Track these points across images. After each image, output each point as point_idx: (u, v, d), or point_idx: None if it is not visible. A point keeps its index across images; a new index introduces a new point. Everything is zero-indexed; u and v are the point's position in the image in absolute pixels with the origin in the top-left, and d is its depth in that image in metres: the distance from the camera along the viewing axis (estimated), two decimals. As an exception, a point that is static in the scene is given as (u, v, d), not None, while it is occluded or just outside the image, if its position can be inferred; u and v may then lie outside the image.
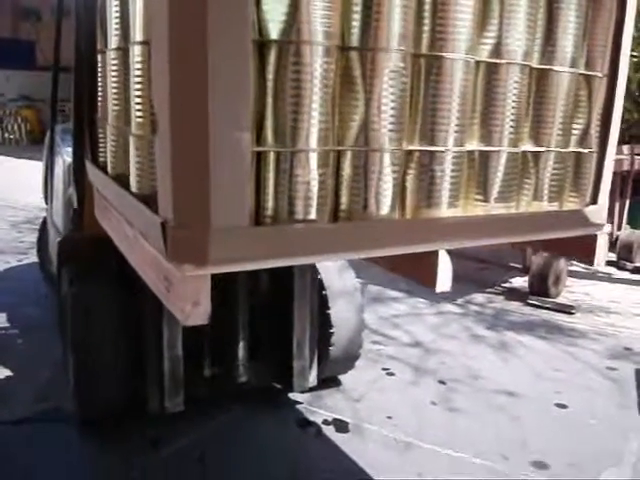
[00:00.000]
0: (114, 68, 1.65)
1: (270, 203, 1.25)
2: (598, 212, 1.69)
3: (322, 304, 2.74)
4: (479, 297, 4.78)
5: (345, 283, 2.88)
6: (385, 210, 1.36)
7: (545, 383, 3.31)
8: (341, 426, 2.75)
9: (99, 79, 1.87)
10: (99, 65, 1.87)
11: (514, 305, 4.66)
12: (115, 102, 1.67)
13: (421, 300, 4.40)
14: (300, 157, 1.25)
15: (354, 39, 1.27)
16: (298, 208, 1.27)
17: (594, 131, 1.64)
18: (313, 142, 1.25)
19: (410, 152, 1.37)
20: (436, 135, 1.38)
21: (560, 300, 4.74)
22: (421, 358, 3.57)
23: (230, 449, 2.54)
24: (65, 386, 2.68)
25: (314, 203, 1.28)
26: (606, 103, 1.62)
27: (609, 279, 5.48)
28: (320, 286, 2.75)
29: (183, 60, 1.10)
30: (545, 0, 1.46)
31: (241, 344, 2.57)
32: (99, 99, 1.90)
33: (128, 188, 1.54)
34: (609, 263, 5.82)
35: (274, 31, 1.18)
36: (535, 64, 1.49)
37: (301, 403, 2.90)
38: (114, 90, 1.66)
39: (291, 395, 2.91)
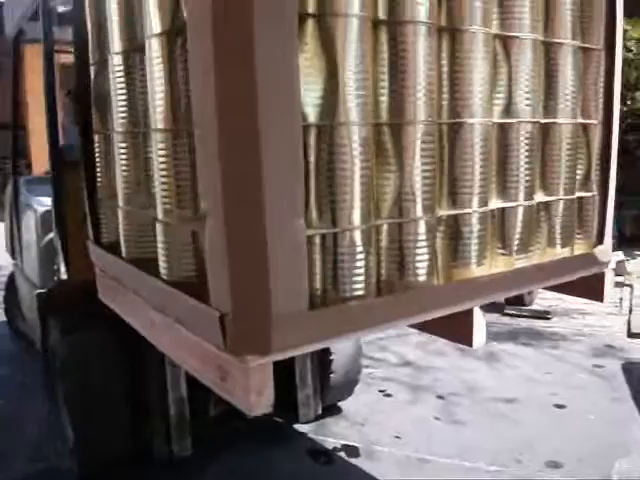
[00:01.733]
0: (123, 152, 1.66)
1: (318, 284, 1.28)
2: (605, 252, 1.80)
3: None
4: None
5: None
6: (422, 277, 1.41)
7: (539, 387, 3.47)
8: (351, 451, 2.81)
9: (98, 160, 1.88)
10: (97, 147, 1.87)
11: (492, 317, 4.85)
12: (125, 186, 1.67)
13: (402, 320, 4.60)
14: (345, 236, 1.28)
15: (383, 114, 1.32)
16: (346, 286, 1.30)
17: (594, 175, 1.76)
18: (357, 220, 1.29)
19: (440, 217, 1.44)
20: (462, 198, 1.46)
21: (535, 307, 4.98)
22: (414, 376, 3.68)
23: None
24: (58, 444, 2.64)
25: (360, 279, 1.31)
26: (603, 148, 1.75)
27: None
28: None
29: (235, 149, 1.13)
30: (545, 58, 1.57)
31: None
32: (99, 180, 1.90)
33: (152, 273, 1.53)
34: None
35: (312, 115, 1.22)
36: (541, 119, 1.59)
37: (307, 434, 2.93)
38: (124, 174, 1.67)
39: (296, 426, 2.93)
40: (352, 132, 1.26)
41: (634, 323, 4.49)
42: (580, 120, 1.69)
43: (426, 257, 1.41)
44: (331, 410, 3.06)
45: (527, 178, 1.58)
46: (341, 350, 2.84)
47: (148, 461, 2.48)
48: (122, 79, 1.62)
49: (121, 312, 1.84)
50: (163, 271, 1.50)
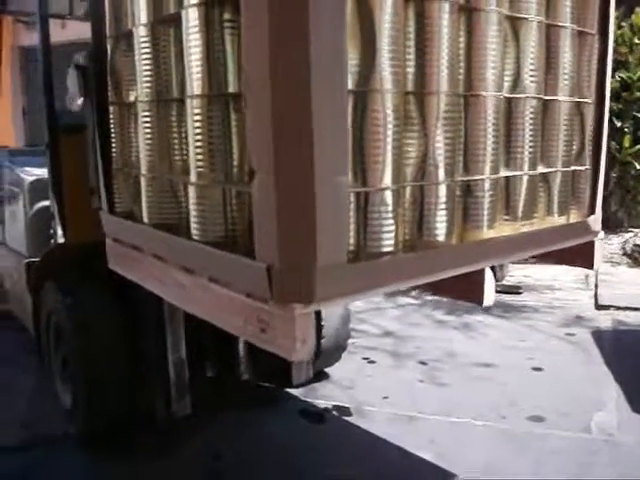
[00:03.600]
0: (147, 121, 1.75)
1: (352, 240, 1.40)
2: (596, 221, 2.01)
3: None
4: None
5: None
6: (442, 236, 1.57)
7: (516, 352, 3.74)
8: (343, 411, 2.99)
9: (113, 131, 1.97)
10: (112, 118, 1.96)
11: None
12: (149, 153, 1.77)
13: (378, 297, 4.73)
14: (376, 195, 1.42)
15: (410, 85, 1.46)
16: (377, 242, 1.44)
17: (587, 150, 1.96)
18: (387, 180, 1.43)
19: (457, 182, 1.59)
20: (476, 165, 1.62)
21: (506, 282, 5.30)
22: (395, 345, 3.90)
23: (243, 445, 2.68)
24: (52, 413, 2.74)
25: (390, 236, 1.45)
26: (595, 125, 1.95)
27: (543, 262, 6.15)
28: None
29: (287, 113, 1.25)
30: (546, 39, 1.75)
31: (241, 342, 2.67)
32: (114, 150, 1.99)
33: (183, 235, 1.65)
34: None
35: (350, 82, 1.33)
36: (544, 96, 1.77)
37: (298, 397, 3.09)
38: (148, 142, 1.76)
39: (286, 391, 3.09)
40: (385, 99, 1.40)
41: (601, 296, 4.84)
42: (576, 99, 1.88)
43: (445, 218, 1.57)
44: (319, 376, 3.21)
45: (530, 150, 1.76)
46: (331, 316, 2.99)
47: (148, 422, 2.57)
48: (148, 50, 1.71)
49: (138, 278, 1.93)
50: (197, 232, 1.60)
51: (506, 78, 1.68)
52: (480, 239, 1.66)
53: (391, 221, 1.47)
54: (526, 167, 1.77)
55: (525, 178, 1.77)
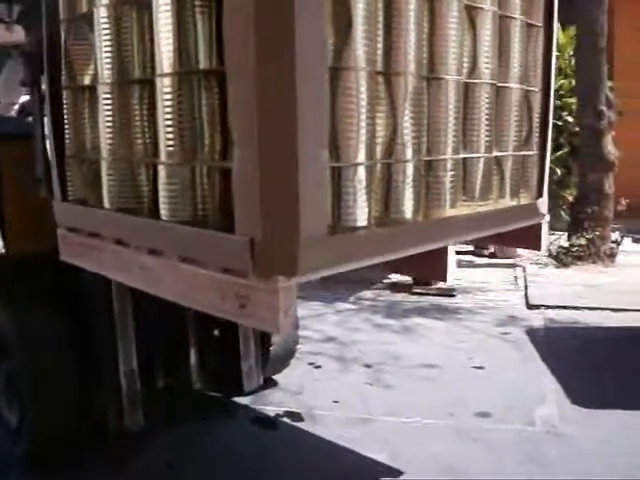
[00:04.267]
0: (108, 102, 1.75)
1: (329, 213, 1.44)
2: (543, 204, 2.15)
3: None
4: (367, 293, 5.37)
5: None
6: (409, 213, 1.65)
7: (456, 353, 3.90)
8: (295, 416, 3.02)
9: (66, 116, 1.95)
10: (65, 103, 1.94)
11: (401, 296, 5.31)
12: (111, 136, 1.76)
13: (317, 303, 4.81)
14: (350, 170, 1.48)
15: (379, 65, 1.54)
16: (352, 216, 1.50)
17: (534, 137, 2.10)
18: (362, 157, 1.50)
19: (422, 162, 1.69)
20: (439, 146, 1.72)
21: (440, 286, 5.53)
22: (339, 350, 3.99)
23: (196, 453, 2.67)
24: None
25: (364, 211, 1.52)
26: (542, 113, 2.09)
27: (473, 265, 6.42)
28: None
29: (272, 88, 1.30)
30: (499, 30, 1.87)
31: (192, 351, 2.68)
32: (67, 136, 1.96)
33: (151, 217, 1.68)
34: (468, 252, 6.87)
35: (329, 59, 1.39)
36: (497, 82, 1.89)
37: (247, 405, 3.09)
38: (109, 125, 1.76)
39: (234, 399, 3.09)
40: (359, 77, 1.47)
41: (531, 296, 5.16)
42: (525, 87, 2.02)
43: (412, 196, 1.65)
44: (267, 383, 3.21)
45: (486, 134, 1.87)
46: None
47: (99, 436, 2.52)
48: (108, 31, 1.71)
49: (95, 266, 1.92)
50: (166, 212, 1.61)
51: (464, 64, 1.78)
52: (443, 217, 1.76)
53: (364, 197, 1.53)
54: (482, 150, 1.88)
55: (482, 160, 1.88)
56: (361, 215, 1.55)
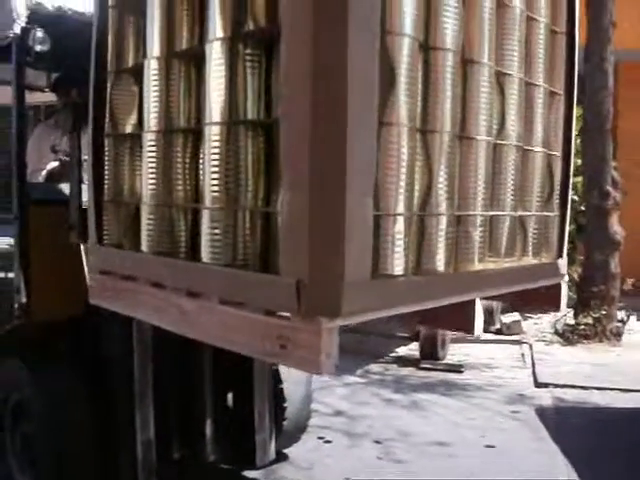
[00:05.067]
0: (152, 149, 1.87)
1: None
2: (563, 264, 2.24)
3: (275, 379, 3.01)
4: (374, 367, 5.45)
5: None
6: (441, 266, 1.73)
7: (467, 431, 3.95)
8: None
9: (107, 163, 2.07)
10: (107, 150, 2.07)
11: (408, 370, 5.38)
12: (152, 181, 1.88)
13: (323, 375, 4.94)
14: (391, 220, 1.58)
15: (418, 122, 1.66)
16: (389, 265, 1.58)
17: (555, 198, 2.22)
18: (401, 208, 1.60)
19: (456, 217, 1.79)
20: (469, 202, 1.82)
21: (447, 361, 5.58)
22: (348, 424, 4.04)
23: None
24: None
25: (401, 260, 1.60)
26: (562, 176, 2.22)
27: (479, 341, 6.50)
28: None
29: (324, 138, 1.40)
30: (524, 98, 2.01)
31: (208, 422, 2.72)
32: (107, 181, 2.08)
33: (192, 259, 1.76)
34: (474, 327, 6.96)
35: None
36: (523, 145, 2.02)
37: (259, 479, 3.11)
38: (152, 171, 1.88)
39: (245, 473, 3.10)
40: (401, 132, 1.58)
41: (539, 374, 5.21)
42: (547, 151, 2.14)
43: (444, 249, 1.74)
44: (278, 457, 3.22)
45: (511, 193, 1.98)
46: (294, 397, 3.10)
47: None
48: (158, 82, 1.85)
49: (127, 309, 1.99)
50: (207, 255, 1.69)
51: (493, 126, 1.90)
52: (473, 270, 1.84)
53: (402, 247, 1.62)
54: (508, 209, 2.01)
55: (507, 219, 1.98)
56: (398, 264, 1.63)
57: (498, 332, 6.77)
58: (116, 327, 2.49)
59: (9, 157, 2.74)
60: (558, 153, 2.24)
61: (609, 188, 6.52)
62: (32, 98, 2.95)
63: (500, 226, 2.00)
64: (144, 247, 1.91)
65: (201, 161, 1.77)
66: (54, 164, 3.24)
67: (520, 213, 2.07)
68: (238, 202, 1.67)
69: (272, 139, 1.66)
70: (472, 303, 1.90)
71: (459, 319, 1.93)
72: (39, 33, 2.57)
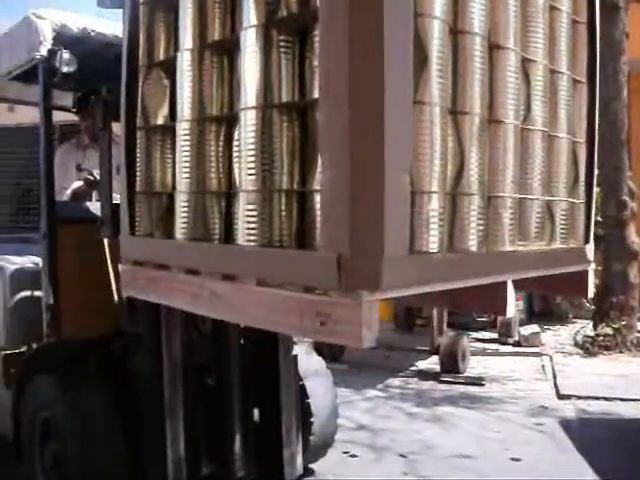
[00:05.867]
0: (187, 138, 1.94)
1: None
2: (590, 251, 2.29)
3: (302, 393, 3.06)
4: (395, 381, 5.49)
5: (317, 369, 3.24)
6: (474, 247, 1.78)
7: (491, 443, 3.96)
8: None
9: (139, 155, 2.14)
10: (138, 143, 2.14)
11: (429, 384, 5.40)
12: (187, 170, 1.95)
13: (345, 390, 4.86)
14: (426, 197, 1.64)
15: (449, 103, 1.72)
16: (424, 242, 1.63)
17: (581, 185, 2.27)
18: (435, 186, 1.65)
19: (487, 198, 1.84)
20: (498, 184, 1.88)
21: (468, 375, 5.60)
22: (371, 438, 4.07)
23: None
24: None
25: (436, 237, 1.66)
26: (587, 164, 2.27)
27: (498, 353, 6.54)
28: (299, 376, 3.05)
29: (362, 115, 1.45)
30: (549, 85, 2.08)
31: (237, 437, 2.73)
32: (139, 173, 2.15)
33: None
34: (493, 340, 6.98)
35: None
36: (549, 131, 2.08)
37: None
38: (186, 160, 1.95)
39: None
40: (433, 112, 1.64)
41: (561, 386, 5.22)
42: (572, 138, 2.19)
43: (477, 229, 1.80)
44: (305, 472, 3.20)
45: (539, 178, 2.03)
46: (320, 412, 3.15)
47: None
48: (191, 73, 1.93)
49: (163, 299, 2.04)
50: (243, 238, 1.76)
51: (520, 111, 1.96)
52: (504, 251, 1.90)
53: (437, 225, 1.67)
54: (538, 193, 2.05)
55: (535, 202, 2.03)
56: (433, 241, 1.68)
57: (517, 344, 6.79)
58: (146, 344, 2.54)
59: (37, 177, 2.83)
60: (582, 140, 2.31)
61: (626, 198, 6.58)
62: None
63: (529, 210, 2.05)
64: (177, 235, 1.97)
65: (236, 146, 1.82)
66: (79, 183, 3.34)
67: (548, 198, 2.13)
68: (274, 184, 1.73)
69: (307, 122, 1.73)
70: (504, 285, 1.95)
71: (491, 301, 1.97)
72: (65, 54, 2.67)
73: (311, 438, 3.10)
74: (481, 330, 7.52)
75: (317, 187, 1.64)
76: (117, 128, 2.44)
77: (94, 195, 3.24)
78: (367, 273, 1.50)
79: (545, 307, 8.25)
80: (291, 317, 1.64)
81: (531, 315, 8.13)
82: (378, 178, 1.49)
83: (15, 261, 3.13)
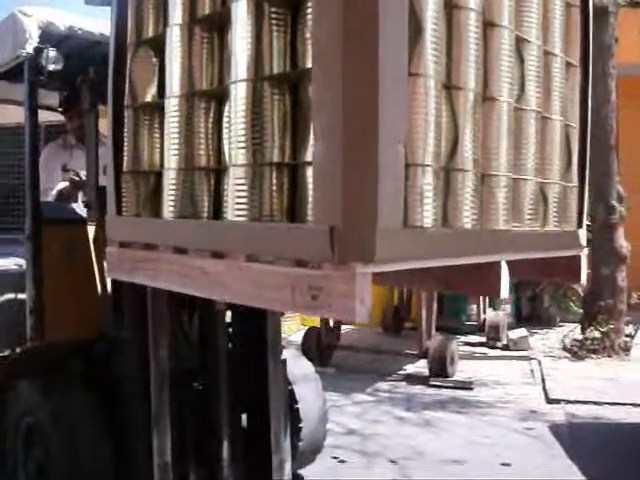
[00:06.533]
0: (176, 115, 1.92)
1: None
2: (583, 235, 2.29)
3: (291, 398, 3.03)
4: (384, 385, 5.48)
5: (306, 373, 3.23)
6: (468, 224, 1.77)
7: (481, 448, 3.97)
8: None
9: (127, 135, 2.11)
10: (126, 121, 2.11)
11: (418, 388, 5.41)
12: (176, 147, 1.93)
13: (334, 394, 4.85)
14: (420, 171, 1.63)
15: (443, 77, 1.71)
16: (418, 216, 1.62)
17: (574, 169, 2.28)
18: (430, 159, 1.64)
19: (482, 175, 1.84)
20: (492, 163, 1.87)
21: (457, 379, 5.60)
22: (361, 443, 4.08)
23: None
24: None
25: (430, 212, 1.65)
26: (580, 148, 2.28)
27: (486, 357, 6.55)
28: (288, 381, 3.01)
29: (356, 86, 1.44)
30: (545, 67, 2.09)
31: (225, 443, 2.70)
32: (126, 153, 2.12)
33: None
34: (481, 344, 6.99)
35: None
36: (543, 113, 2.07)
37: None
38: (174, 136, 1.93)
39: None
40: (428, 85, 1.63)
41: (550, 391, 5.23)
42: (565, 121, 2.20)
43: (470, 206, 1.79)
44: (294, 478, 3.21)
45: (533, 159, 2.03)
46: (309, 417, 3.13)
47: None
48: (180, 48, 1.92)
49: (150, 280, 2.02)
50: (233, 213, 1.74)
51: (514, 90, 1.96)
52: (498, 230, 1.89)
53: (431, 199, 1.66)
54: (531, 174, 2.05)
55: (529, 183, 2.03)
56: (427, 216, 1.67)
57: (505, 348, 6.82)
58: (131, 348, 2.52)
59: (22, 177, 2.79)
60: (575, 124, 2.32)
61: (614, 202, 6.65)
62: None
63: (523, 191, 2.05)
64: (165, 215, 1.95)
65: (226, 121, 1.81)
66: (64, 184, 3.30)
67: (541, 180, 2.14)
68: (264, 158, 1.71)
69: (299, 95, 1.71)
70: (498, 265, 1.94)
71: (485, 282, 1.96)
72: (52, 52, 2.65)
73: (300, 444, 3.10)
74: (469, 334, 7.54)
75: (309, 159, 1.62)
76: (103, 129, 2.45)
77: (79, 196, 3.20)
78: (360, 244, 1.48)
79: (533, 311, 8.31)
80: (282, 292, 1.61)
81: (519, 319, 8.20)
82: (372, 148, 1.47)
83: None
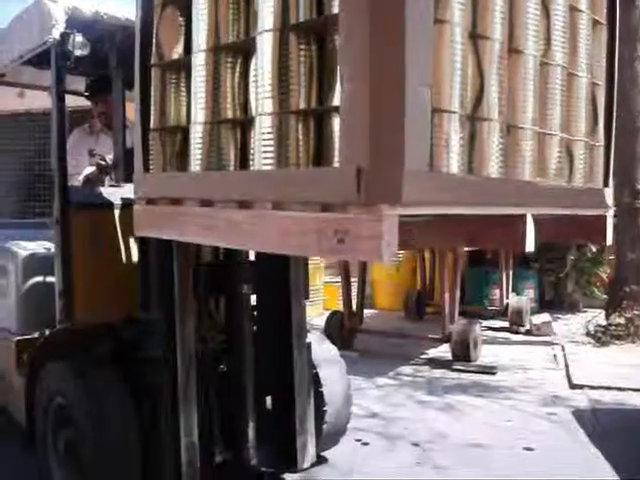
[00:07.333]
0: (203, 69, 1.96)
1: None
2: (609, 194, 2.29)
3: (315, 381, 3.06)
4: (407, 369, 5.48)
5: (330, 357, 3.25)
6: (494, 173, 1.79)
7: (504, 433, 3.96)
8: None
9: (154, 92, 2.17)
10: (154, 80, 2.17)
11: (440, 372, 5.40)
12: (202, 102, 1.98)
13: (356, 377, 4.81)
14: (446, 116, 1.65)
15: (469, 25, 1.72)
16: (444, 162, 1.64)
17: (600, 128, 2.27)
18: (456, 106, 1.67)
19: (508, 126, 1.85)
20: (518, 115, 1.88)
21: (480, 363, 5.59)
22: (384, 426, 4.08)
23: None
24: None
25: (457, 158, 1.68)
26: (606, 106, 2.28)
27: (509, 342, 6.53)
28: (312, 364, 3.04)
29: (383, 28, 1.47)
30: (571, 23, 2.09)
31: (250, 425, 2.76)
32: (153, 111, 2.17)
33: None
34: (504, 329, 6.97)
35: None
36: (569, 69, 2.07)
37: None
38: (201, 91, 1.98)
39: (286, 476, 3.05)
40: (454, 31, 1.66)
41: (573, 376, 5.20)
42: (591, 79, 2.20)
43: (496, 156, 1.81)
44: (317, 460, 3.18)
45: (559, 114, 2.04)
46: (334, 400, 3.17)
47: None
48: (208, 6, 1.96)
49: (177, 234, 2.06)
50: (262, 162, 1.76)
51: (540, 44, 1.97)
52: (524, 182, 1.90)
53: (457, 145, 1.68)
54: (557, 130, 2.04)
55: (555, 139, 2.03)
56: (453, 162, 1.69)
57: (528, 333, 6.79)
58: (159, 330, 2.57)
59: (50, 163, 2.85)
60: (601, 83, 2.33)
61: (640, 186, 6.60)
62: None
63: (548, 146, 2.05)
64: (192, 168, 1.99)
65: (252, 72, 1.84)
66: (91, 168, 3.35)
67: (567, 136, 2.15)
68: (290, 106, 1.73)
69: (325, 43, 1.74)
70: (524, 218, 1.96)
71: (511, 236, 1.98)
72: (78, 38, 2.69)
73: (324, 426, 3.11)
74: (492, 319, 7.52)
75: (336, 104, 1.65)
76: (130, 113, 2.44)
77: (106, 180, 3.26)
78: (387, 186, 1.50)
79: (556, 296, 8.27)
80: (308, 238, 1.64)
81: (542, 304, 8.17)
82: (399, 91, 1.49)
83: (28, 246, 3.17)
